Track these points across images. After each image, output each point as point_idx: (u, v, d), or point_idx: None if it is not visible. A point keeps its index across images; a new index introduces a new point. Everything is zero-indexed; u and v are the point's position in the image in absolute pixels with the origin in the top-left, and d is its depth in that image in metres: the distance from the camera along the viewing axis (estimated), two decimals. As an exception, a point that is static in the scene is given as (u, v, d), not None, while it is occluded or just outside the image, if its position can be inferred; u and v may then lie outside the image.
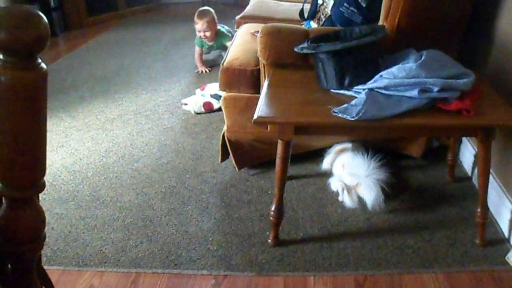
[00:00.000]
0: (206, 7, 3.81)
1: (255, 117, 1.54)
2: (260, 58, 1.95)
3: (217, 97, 2.91)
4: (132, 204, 2.10)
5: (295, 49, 1.77)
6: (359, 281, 1.65)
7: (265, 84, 1.80)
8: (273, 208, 1.76)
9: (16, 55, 0.50)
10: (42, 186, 0.60)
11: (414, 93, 1.56)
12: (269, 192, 2.11)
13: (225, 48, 3.53)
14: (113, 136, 2.73)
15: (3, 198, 0.59)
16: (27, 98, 0.52)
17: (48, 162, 2.62)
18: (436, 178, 2.19)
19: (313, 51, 1.71)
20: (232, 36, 3.33)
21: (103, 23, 5.50)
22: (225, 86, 2.12)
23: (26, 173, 0.57)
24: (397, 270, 1.69)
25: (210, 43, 3.81)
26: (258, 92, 2.01)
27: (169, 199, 2.12)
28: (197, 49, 3.82)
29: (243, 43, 2.33)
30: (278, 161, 1.65)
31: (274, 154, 1.67)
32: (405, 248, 1.78)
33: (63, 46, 4.73)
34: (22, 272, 0.64)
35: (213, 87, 3.06)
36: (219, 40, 3.80)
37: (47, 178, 2.31)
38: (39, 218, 0.61)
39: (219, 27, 3.81)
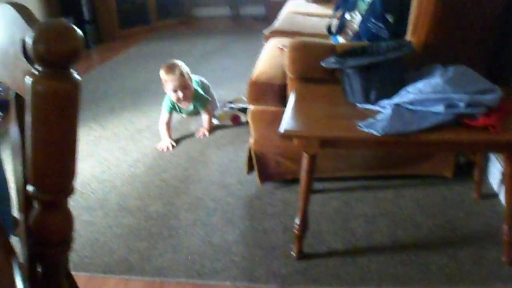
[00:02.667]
0: (173, 60, 2.90)
1: (281, 130, 1.56)
2: (287, 73, 1.97)
3: (244, 110, 2.93)
4: (158, 214, 2.13)
5: (322, 64, 1.79)
6: (383, 297, 1.64)
7: (291, 98, 1.82)
8: (297, 221, 1.77)
9: (52, 66, 0.54)
10: (72, 191, 0.63)
11: (440, 108, 1.56)
12: (294, 205, 2.11)
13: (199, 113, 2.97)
14: (142, 147, 2.78)
15: (35, 201, 0.62)
16: (60, 107, 0.55)
17: (78, 170, 2.68)
18: (463, 194, 2.17)
19: (340, 66, 1.72)
20: (210, 100, 2.99)
21: (135, 36, 5.61)
22: (253, 100, 2.15)
23: (58, 178, 0.60)
24: (421, 287, 1.67)
25: (185, 107, 2.98)
26: (285, 106, 2.02)
27: (194, 210, 2.14)
28: (164, 114, 2.88)
29: (270, 57, 2.35)
30: (303, 174, 1.67)
31: (298, 172, 1.69)
32: (430, 265, 1.76)
33: (96, 58, 4.85)
34: (51, 274, 0.67)
35: (242, 100, 3.09)
36: (196, 103, 2.95)
37: (76, 186, 2.36)
38: (69, 221, 0.63)
39: (194, 84, 2.97)
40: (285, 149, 2.15)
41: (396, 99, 1.65)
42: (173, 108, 2.92)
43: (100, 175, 2.49)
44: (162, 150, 2.74)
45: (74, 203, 2.22)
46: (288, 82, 2.01)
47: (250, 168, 2.28)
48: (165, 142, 2.78)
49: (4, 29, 0.82)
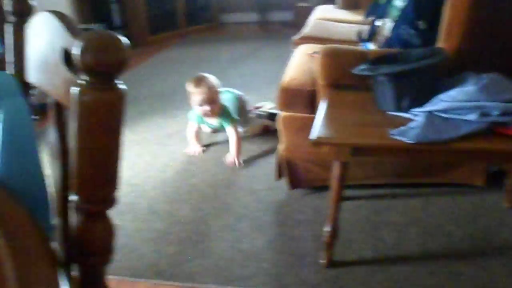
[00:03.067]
0: (202, 73, 2.81)
1: (312, 137, 1.55)
2: (318, 79, 1.97)
3: (273, 116, 2.91)
4: (187, 219, 2.14)
5: (354, 71, 1.78)
6: (413, 307, 1.62)
7: (322, 105, 1.81)
8: (327, 229, 1.76)
9: (99, 76, 0.54)
10: (115, 201, 0.64)
11: (474, 116, 1.53)
12: (324, 213, 2.10)
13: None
14: (171, 151, 2.81)
15: (78, 211, 0.63)
16: (106, 118, 0.56)
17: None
18: (494, 203, 2.13)
19: (372, 73, 1.71)
20: (238, 120, 2.80)
21: (165, 41, 5.67)
22: (283, 106, 2.15)
23: (101, 188, 0.61)
24: (453, 298, 1.65)
25: (213, 123, 2.84)
26: (314, 113, 2.02)
27: (223, 215, 2.15)
28: (192, 124, 2.85)
29: (300, 63, 2.35)
30: (333, 182, 1.66)
31: (328, 179, 1.68)
32: (460, 275, 1.73)
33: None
34: (92, 283, 0.67)
35: (270, 106, 3.09)
36: (223, 120, 2.77)
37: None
38: (110, 231, 0.64)
39: (227, 99, 2.88)
40: (315, 155, 2.14)
41: (429, 107, 1.63)
42: (201, 120, 2.83)
43: (130, 179, 2.52)
44: (191, 153, 2.77)
45: (104, 207, 2.25)
46: (319, 88, 2.00)
47: (280, 175, 2.28)
48: (194, 147, 2.80)
49: (44, 37, 0.84)
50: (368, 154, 1.70)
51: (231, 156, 2.67)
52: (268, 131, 2.97)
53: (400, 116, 1.68)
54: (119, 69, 0.55)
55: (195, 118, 2.82)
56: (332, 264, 1.80)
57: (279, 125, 2.19)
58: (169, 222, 2.13)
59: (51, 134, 0.88)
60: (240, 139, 2.73)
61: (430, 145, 1.49)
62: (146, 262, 1.88)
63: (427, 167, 2.22)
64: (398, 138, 1.51)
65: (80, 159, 0.58)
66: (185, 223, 2.11)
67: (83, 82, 0.55)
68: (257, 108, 3.16)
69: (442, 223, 2.01)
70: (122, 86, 0.58)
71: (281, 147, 2.21)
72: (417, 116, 1.64)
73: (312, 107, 2.08)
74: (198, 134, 2.86)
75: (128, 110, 3.19)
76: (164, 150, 2.84)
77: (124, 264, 1.88)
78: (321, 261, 1.81)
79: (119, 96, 0.57)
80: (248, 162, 2.63)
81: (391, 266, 1.79)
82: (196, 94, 2.69)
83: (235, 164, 2.63)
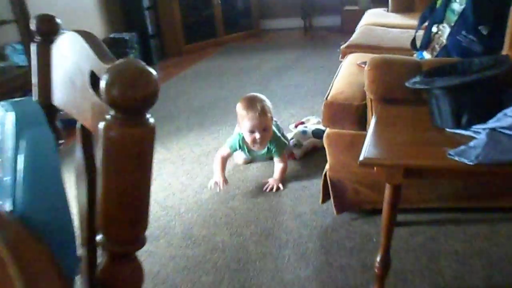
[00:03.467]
0: (255, 94, 2.75)
1: (361, 158, 1.54)
2: (367, 93, 1.96)
3: (318, 133, 2.88)
4: (226, 245, 2.15)
5: (407, 84, 1.76)
6: None
7: (372, 121, 1.80)
8: (378, 259, 1.73)
9: (126, 111, 0.56)
10: (143, 242, 0.65)
11: (545, 134, 1.49)
12: (374, 240, 2.08)
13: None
14: (208, 171, 2.83)
15: (104, 251, 0.64)
16: (134, 154, 0.57)
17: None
18: None
19: (426, 87, 1.69)
20: (288, 146, 2.82)
21: (201, 50, 5.76)
22: (328, 122, 2.14)
23: (129, 229, 0.62)
24: None
25: (257, 152, 2.78)
26: (364, 129, 2.01)
27: (264, 242, 2.15)
28: (225, 150, 2.73)
29: (348, 75, 2.34)
30: (385, 206, 1.63)
31: (378, 202, 1.66)
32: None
33: (160, 75, 5.00)
34: None
35: (315, 121, 3.08)
36: (272, 148, 2.71)
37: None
38: (138, 274, 0.65)
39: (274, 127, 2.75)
40: (364, 176, 2.12)
41: (492, 124, 1.59)
42: (240, 148, 2.74)
43: (164, 201, 2.55)
44: (212, 187, 2.62)
45: (137, 231, 2.28)
46: (368, 103, 1.99)
47: (326, 197, 2.26)
48: (217, 178, 2.63)
49: (71, 58, 0.87)
50: (423, 177, 1.67)
51: (274, 180, 2.62)
52: (315, 150, 2.94)
53: (460, 134, 1.64)
54: (149, 104, 0.57)
55: (232, 146, 2.70)
56: (385, 298, 1.77)
57: (325, 142, 2.18)
58: (206, 249, 2.14)
59: (78, 154, 0.90)
60: (287, 166, 2.71)
61: (494, 166, 1.46)
62: (181, 293, 1.90)
63: (493, 189, 2.15)
64: (457, 158, 1.47)
65: (106, 198, 0.59)
66: (223, 250, 2.12)
67: (110, 117, 0.56)
68: (301, 123, 3.15)
69: (511, 254, 1.95)
70: (151, 120, 0.59)
71: (327, 166, 2.20)
72: (479, 133, 1.60)
73: (361, 123, 2.06)
74: (226, 162, 2.71)
75: (163, 126, 3.25)
76: (201, 169, 2.87)
77: (157, 295, 1.90)
78: (372, 294, 1.79)
79: (148, 132, 0.58)
80: (292, 183, 2.62)
81: (451, 301, 1.75)
82: (246, 119, 2.56)
83: (277, 188, 2.57)
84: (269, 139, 2.62)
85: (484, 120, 1.62)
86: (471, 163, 1.45)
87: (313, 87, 4.07)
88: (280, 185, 2.58)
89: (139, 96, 0.55)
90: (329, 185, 2.20)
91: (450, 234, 2.08)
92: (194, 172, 2.84)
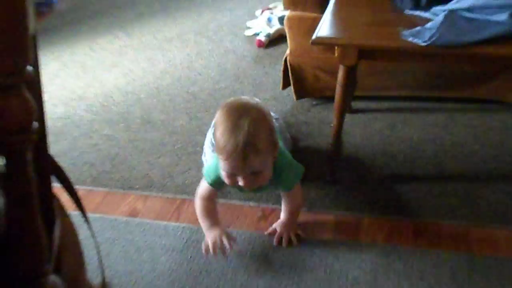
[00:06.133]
0: (245, 102, 1.54)
1: (313, 37, 1.53)
2: (329, -27, 1.91)
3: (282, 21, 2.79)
4: (184, 129, 2.17)
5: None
6: (420, 229, 1.65)
7: (331, 1, 1.77)
8: (331, 141, 1.77)
9: None
10: (27, 74, 0.65)
11: (503, 17, 1.48)
12: (331, 125, 2.10)
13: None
14: (170, 57, 2.80)
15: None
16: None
17: (100, 82, 2.70)
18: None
19: (387, -35, 1.65)
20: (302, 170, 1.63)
21: None
22: (289, 4, 2.10)
23: (8, 59, 0.62)
24: (465, 222, 1.66)
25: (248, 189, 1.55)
26: (326, 12, 1.98)
27: (222, 126, 2.16)
28: (204, 190, 1.63)
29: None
30: (338, 88, 1.65)
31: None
32: (478, 199, 1.74)
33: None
34: (14, 165, 0.70)
35: (281, 8, 3.02)
36: (277, 181, 1.57)
37: (98, 98, 2.43)
38: (27, 108, 0.65)
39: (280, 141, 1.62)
40: (324, 61, 2.11)
41: (452, 5, 1.58)
42: (220, 183, 1.57)
43: (124, 87, 2.54)
44: (210, 252, 1.55)
45: (95, 117, 2.30)
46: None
47: (286, 83, 2.27)
48: (212, 237, 1.56)
49: None
50: (377, 58, 1.67)
51: (283, 226, 1.65)
52: (282, 37, 2.90)
53: (418, 15, 1.63)
54: None
55: (214, 177, 1.58)
56: (336, 180, 1.83)
57: (286, 25, 2.15)
58: (164, 133, 2.16)
59: None
60: (303, 202, 1.70)
61: (446, 48, 1.46)
62: (137, 173, 1.94)
63: (453, 79, 2.17)
64: (410, 39, 1.47)
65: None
66: (182, 133, 2.15)
67: None
68: (268, 9, 3.10)
69: (464, 142, 2.00)
70: None
71: (288, 51, 2.18)
72: (437, 15, 1.59)
73: (323, 6, 2.01)
74: (215, 205, 1.66)
75: (125, 12, 3.15)
76: (163, 55, 2.83)
77: (114, 175, 1.94)
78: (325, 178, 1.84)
79: None
80: (254, 70, 2.61)
81: (401, 185, 1.81)
82: (223, 157, 1.43)
83: (287, 243, 1.63)
84: (265, 182, 1.52)
85: (444, 1, 1.61)
86: (424, 44, 1.46)
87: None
88: (294, 240, 1.63)
89: None
90: (289, 70, 2.19)
91: (408, 122, 2.12)
92: (155, 58, 2.80)
